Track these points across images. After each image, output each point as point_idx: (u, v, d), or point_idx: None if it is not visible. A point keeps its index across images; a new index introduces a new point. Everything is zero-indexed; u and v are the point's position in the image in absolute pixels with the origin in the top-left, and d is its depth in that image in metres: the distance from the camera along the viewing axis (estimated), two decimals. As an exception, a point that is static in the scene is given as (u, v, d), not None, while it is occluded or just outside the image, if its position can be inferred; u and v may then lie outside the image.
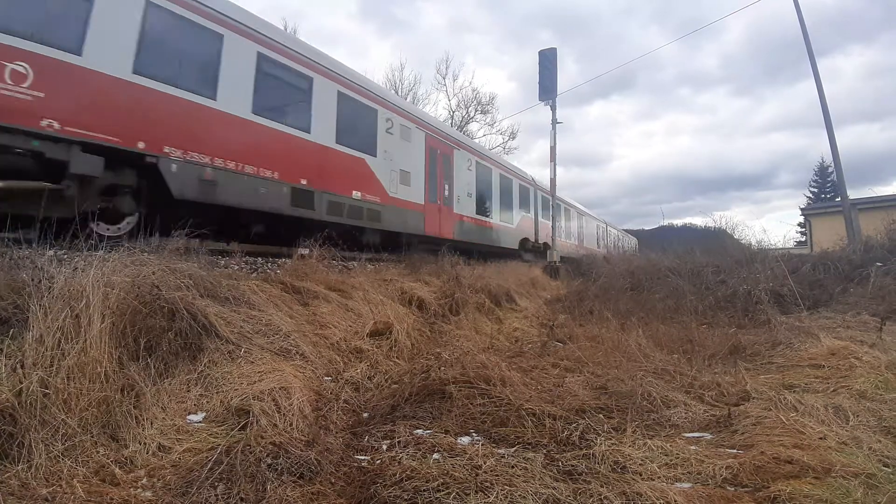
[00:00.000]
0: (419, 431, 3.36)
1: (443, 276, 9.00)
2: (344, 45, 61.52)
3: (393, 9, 76.73)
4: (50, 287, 3.29)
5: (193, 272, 4.42)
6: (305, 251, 6.98)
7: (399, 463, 2.86)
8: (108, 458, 2.65)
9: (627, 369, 4.60)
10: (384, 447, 3.17)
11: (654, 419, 3.58)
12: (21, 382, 2.66)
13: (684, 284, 9.65)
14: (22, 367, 2.77)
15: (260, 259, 7.05)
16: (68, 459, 2.52)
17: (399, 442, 3.17)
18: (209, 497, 2.38)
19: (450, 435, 3.30)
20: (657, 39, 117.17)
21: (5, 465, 2.40)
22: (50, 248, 4.27)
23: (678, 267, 11.19)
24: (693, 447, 3.04)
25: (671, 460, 2.86)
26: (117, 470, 2.58)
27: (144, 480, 2.56)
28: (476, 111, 38.40)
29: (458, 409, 3.68)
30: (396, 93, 32.02)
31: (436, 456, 2.96)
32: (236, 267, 6.16)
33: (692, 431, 3.40)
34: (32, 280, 3.45)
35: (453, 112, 37.78)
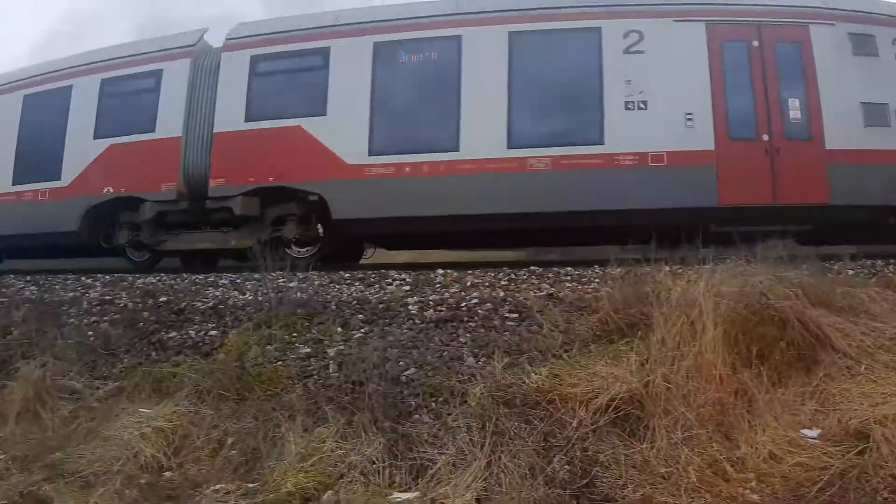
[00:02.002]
0: None
1: None
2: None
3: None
4: (668, 297, 3.78)
5: (802, 280, 4.05)
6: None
7: None
8: (720, 455, 2.76)
9: None
10: None
11: None
12: (648, 376, 3.17)
13: None
14: (647, 363, 3.31)
15: (880, 261, 5.54)
16: (685, 448, 2.78)
17: None
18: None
19: None
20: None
21: (632, 442, 2.90)
22: (665, 265, 4.88)
23: None
24: None
25: None
26: (728, 467, 2.66)
27: (753, 483, 2.55)
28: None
29: None
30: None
31: None
32: (851, 272, 5.09)
33: None
34: (653, 292, 4.06)
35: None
